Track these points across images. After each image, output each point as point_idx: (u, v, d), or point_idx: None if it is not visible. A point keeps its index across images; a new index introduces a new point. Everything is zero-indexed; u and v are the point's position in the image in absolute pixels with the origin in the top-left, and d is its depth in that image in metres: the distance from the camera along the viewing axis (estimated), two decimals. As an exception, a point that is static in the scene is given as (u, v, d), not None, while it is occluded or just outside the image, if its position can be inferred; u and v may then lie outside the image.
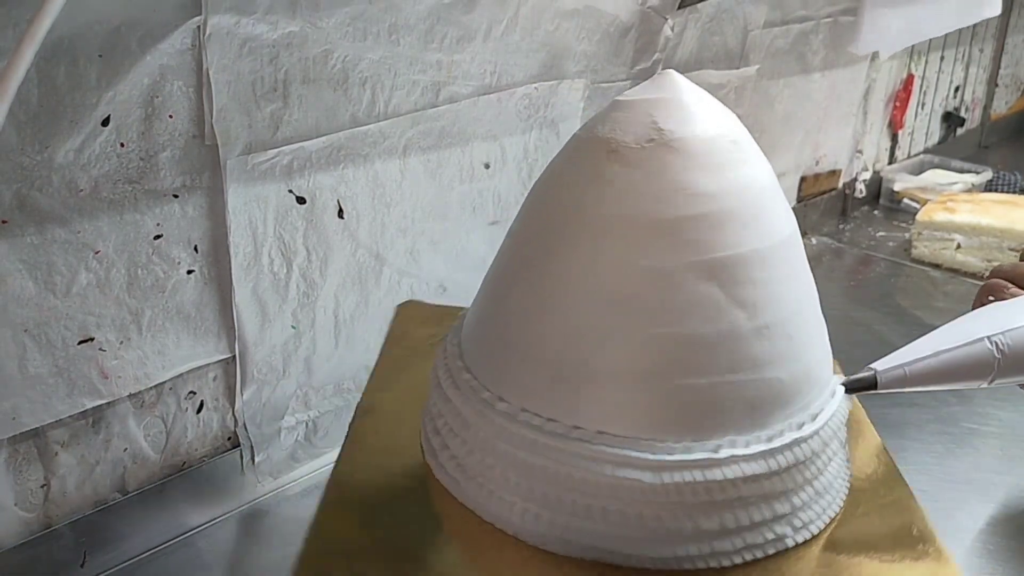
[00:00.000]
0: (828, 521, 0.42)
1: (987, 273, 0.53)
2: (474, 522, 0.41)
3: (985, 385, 0.44)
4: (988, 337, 0.43)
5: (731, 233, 0.39)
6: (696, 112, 0.41)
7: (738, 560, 0.39)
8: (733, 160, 0.40)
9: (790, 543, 0.40)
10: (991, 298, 0.49)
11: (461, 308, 0.52)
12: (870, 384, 0.43)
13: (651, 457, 0.38)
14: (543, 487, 0.39)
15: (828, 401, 0.42)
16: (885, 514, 0.43)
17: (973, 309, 0.49)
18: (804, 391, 0.41)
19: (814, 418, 0.41)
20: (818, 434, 0.41)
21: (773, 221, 0.41)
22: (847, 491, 0.44)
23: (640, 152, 0.40)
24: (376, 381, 0.52)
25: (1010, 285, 0.50)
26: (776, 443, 0.39)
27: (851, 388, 0.44)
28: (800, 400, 0.40)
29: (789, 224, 0.42)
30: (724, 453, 0.38)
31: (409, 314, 0.59)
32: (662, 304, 0.38)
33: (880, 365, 0.43)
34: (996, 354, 0.43)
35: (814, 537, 0.41)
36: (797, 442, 0.39)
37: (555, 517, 0.39)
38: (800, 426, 0.40)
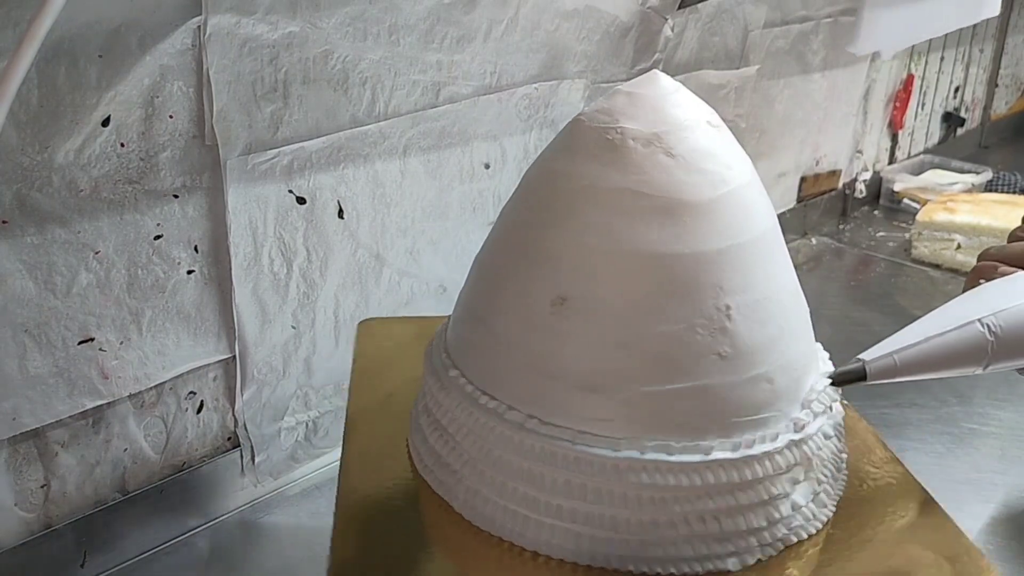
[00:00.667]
0: (815, 530, 0.41)
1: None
2: (461, 525, 0.41)
3: (980, 371, 0.41)
4: (979, 319, 0.40)
5: (705, 231, 0.39)
6: (668, 111, 0.41)
7: (722, 566, 0.39)
8: (701, 160, 0.40)
9: (769, 552, 0.40)
10: (982, 281, 0.47)
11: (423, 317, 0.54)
12: (859, 376, 0.41)
13: (624, 456, 0.38)
14: (526, 486, 0.39)
15: (815, 410, 0.42)
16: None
17: (965, 290, 0.47)
18: (787, 399, 0.40)
19: (802, 427, 0.40)
20: (806, 442, 0.40)
21: (746, 220, 0.41)
22: (838, 498, 0.43)
23: (604, 148, 0.40)
24: (355, 396, 0.51)
25: (999, 264, 0.47)
26: (757, 449, 0.39)
27: (839, 381, 0.42)
28: (782, 406, 0.40)
29: (766, 221, 0.42)
30: (697, 456, 0.38)
31: (371, 331, 0.58)
32: (640, 305, 0.39)
33: (868, 355, 0.41)
34: (989, 336, 0.40)
35: (797, 544, 0.41)
36: (777, 451, 0.39)
37: (533, 515, 0.39)
38: (792, 428, 0.40)
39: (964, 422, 0.74)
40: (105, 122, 0.49)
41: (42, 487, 0.53)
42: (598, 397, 0.38)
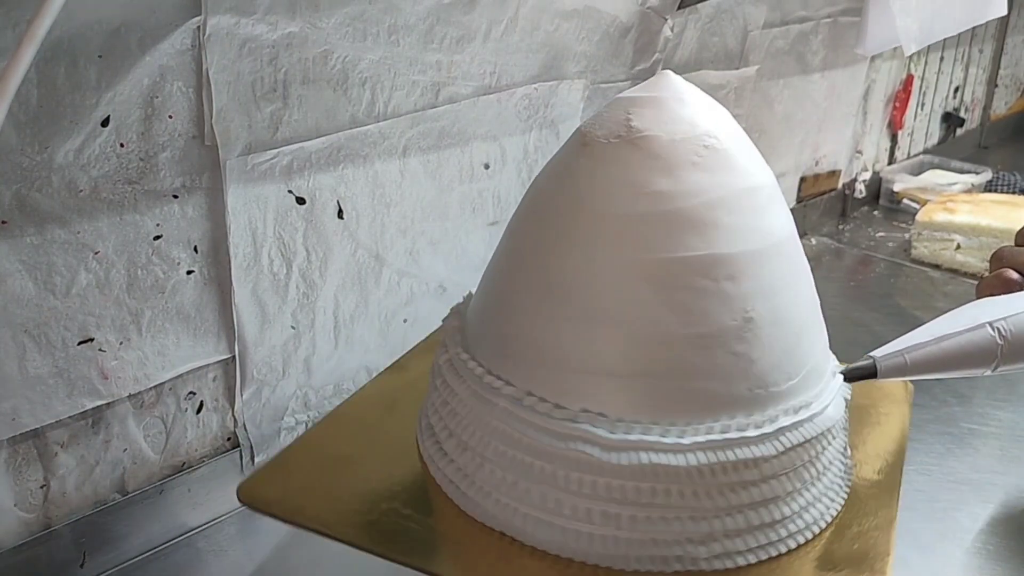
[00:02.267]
0: (818, 531, 0.41)
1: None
2: (465, 520, 0.42)
3: (989, 373, 0.42)
4: (990, 323, 0.42)
5: (717, 232, 0.39)
6: (677, 113, 0.41)
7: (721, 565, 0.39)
8: (712, 162, 0.40)
9: (772, 551, 0.40)
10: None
11: None
12: (869, 372, 0.42)
13: (615, 437, 0.38)
14: (525, 476, 0.40)
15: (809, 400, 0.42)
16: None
17: (979, 292, 0.48)
18: (797, 400, 0.41)
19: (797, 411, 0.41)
20: (815, 440, 0.40)
21: (763, 223, 0.41)
22: (844, 498, 0.43)
23: (609, 148, 0.40)
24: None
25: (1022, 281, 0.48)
26: (763, 431, 0.39)
27: (849, 377, 0.43)
28: (791, 396, 0.40)
29: (786, 226, 0.42)
30: (689, 440, 0.38)
31: None
32: (656, 309, 0.39)
33: (879, 353, 0.42)
34: (999, 340, 0.41)
35: (805, 544, 0.41)
36: (783, 443, 0.39)
37: (538, 514, 0.40)
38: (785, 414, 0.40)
39: (964, 422, 0.73)
40: (105, 122, 0.49)
41: (41, 487, 0.53)
42: (608, 390, 0.39)
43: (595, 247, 0.40)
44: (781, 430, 0.39)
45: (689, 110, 0.42)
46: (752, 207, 0.41)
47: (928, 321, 0.43)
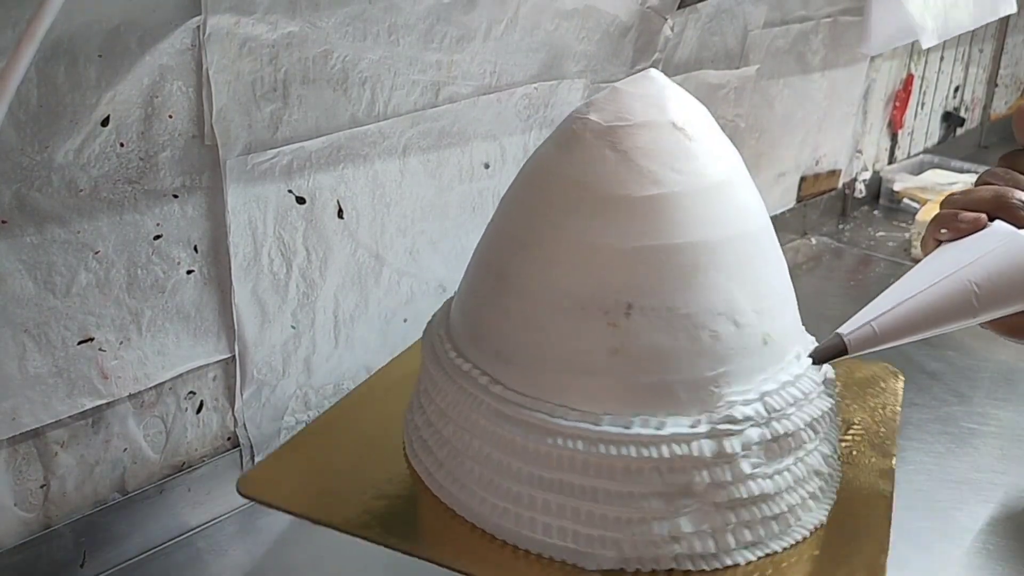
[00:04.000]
0: (808, 533, 0.41)
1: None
2: (451, 517, 0.42)
3: (972, 321, 0.39)
4: (957, 270, 0.39)
5: (682, 221, 0.40)
6: (635, 107, 0.42)
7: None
8: (641, 158, 0.41)
9: (758, 552, 0.39)
10: (943, 231, 0.43)
11: None
12: (839, 351, 0.40)
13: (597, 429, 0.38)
14: (507, 476, 0.40)
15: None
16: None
17: (925, 245, 0.45)
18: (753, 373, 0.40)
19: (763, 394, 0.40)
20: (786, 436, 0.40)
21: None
22: (835, 490, 0.43)
23: (583, 141, 0.42)
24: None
25: (959, 212, 0.43)
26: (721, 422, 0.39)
27: (819, 358, 0.41)
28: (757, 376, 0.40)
29: (757, 215, 0.42)
30: (668, 430, 0.38)
31: None
32: (610, 285, 0.39)
33: (846, 328, 0.40)
34: (971, 286, 0.38)
35: (798, 544, 0.40)
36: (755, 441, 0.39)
37: (516, 509, 0.40)
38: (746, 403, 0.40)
39: (964, 422, 0.73)
40: (104, 122, 0.49)
41: (41, 487, 0.53)
42: (584, 382, 0.39)
43: (569, 237, 0.40)
44: (757, 423, 0.39)
45: (665, 106, 0.42)
46: (722, 198, 0.41)
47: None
